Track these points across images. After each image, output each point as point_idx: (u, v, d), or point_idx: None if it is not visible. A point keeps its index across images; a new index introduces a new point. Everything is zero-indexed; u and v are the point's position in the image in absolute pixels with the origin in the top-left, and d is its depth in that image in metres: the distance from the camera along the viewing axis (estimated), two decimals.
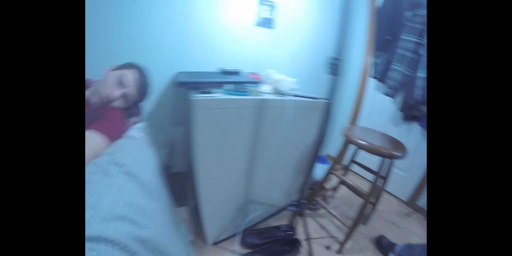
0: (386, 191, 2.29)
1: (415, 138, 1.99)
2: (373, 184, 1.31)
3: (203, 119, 0.96)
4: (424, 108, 1.68)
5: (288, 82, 1.26)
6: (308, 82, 2.08)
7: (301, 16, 1.78)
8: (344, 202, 2.02)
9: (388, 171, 1.51)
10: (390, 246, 1.49)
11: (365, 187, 1.39)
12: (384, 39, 1.94)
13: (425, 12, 1.73)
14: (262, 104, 1.09)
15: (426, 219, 1.97)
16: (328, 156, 2.76)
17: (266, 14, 1.62)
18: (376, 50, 1.99)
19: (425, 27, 1.68)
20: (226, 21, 1.49)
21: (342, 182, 1.63)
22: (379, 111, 2.26)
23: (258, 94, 1.11)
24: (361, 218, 1.39)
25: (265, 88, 1.24)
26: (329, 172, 1.54)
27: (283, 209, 1.52)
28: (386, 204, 2.12)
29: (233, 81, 1.16)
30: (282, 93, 1.22)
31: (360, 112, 2.45)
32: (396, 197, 2.23)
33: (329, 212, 1.53)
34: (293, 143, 1.33)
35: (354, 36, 2.36)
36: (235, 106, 1.02)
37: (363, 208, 1.35)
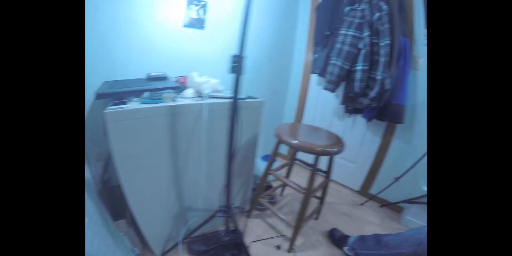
0: (337, 182, 2.35)
1: (360, 130, 2.05)
2: (310, 180, 1.31)
3: (117, 131, 0.93)
4: (363, 100, 1.71)
5: (210, 84, 1.23)
6: (243, 80, 2.03)
7: (233, 14, 1.74)
8: (294, 198, 2.04)
9: (329, 166, 1.52)
10: (344, 238, 1.51)
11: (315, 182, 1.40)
12: (323, 35, 1.95)
13: (363, 6, 1.75)
14: (176, 111, 1.06)
15: (380, 205, 2.03)
16: (279, 154, 2.78)
17: (195, 14, 1.57)
18: (315, 45, 2.00)
19: (363, 21, 1.70)
20: (155, 24, 1.42)
21: (281, 181, 1.64)
22: (322, 106, 2.30)
23: (172, 101, 1.08)
24: (304, 214, 1.39)
25: (189, 92, 1.20)
26: (266, 172, 1.54)
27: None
28: (338, 196, 2.17)
29: (152, 88, 1.11)
30: (204, 96, 1.19)
31: (304, 108, 2.47)
32: (349, 187, 2.29)
33: (274, 212, 1.53)
34: (220, 146, 1.30)
35: (297, 32, 2.37)
36: (147, 115, 0.98)
37: (304, 205, 1.35)
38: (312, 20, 2.20)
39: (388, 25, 1.65)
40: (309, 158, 1.73)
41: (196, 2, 1.54)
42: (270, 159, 1.50)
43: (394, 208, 2.00)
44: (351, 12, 1.79)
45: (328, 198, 2.07)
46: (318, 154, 1.23)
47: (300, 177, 2.33)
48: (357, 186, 2.19)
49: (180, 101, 1.11)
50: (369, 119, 1.87)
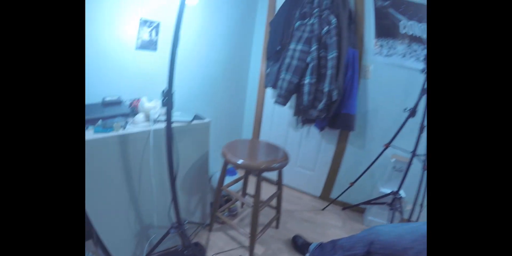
0: (298, 190, 2.42)
1: (315, 138, 2.13)
2: (256, 194, 1.38)
3: None
4: (313, 112, 1.77)
5: (158, 109, 1.28)
6: (196, 98, 2.03)
7: (184, 35, 1.77)
8: None
9: (279, 178, 1.59)
10: (305, 245, 1.57)
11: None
12: (275, 49, 2.01)
13: (313, 20, 1.81)
14: (125, 139, 1.11)
15: (342, 208, 2.11)
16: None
17: (148, 36, 1.60)
18: (267, 60, 2.06)
19: (312, 35, 1.76)
20: (109, 48, 1.44)
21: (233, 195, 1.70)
22: (278, 118, 2.34)
23: (122, 129, 1.12)
24: (257, 225, 1.45)
25: (140, 116, 1.25)
26: (218, 189, 1.59)
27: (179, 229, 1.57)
28: (300, 203, 2.23)
29: (105, 115, 1.16)
30: (152, 121, 1.24)
31: (262, 121, 2.50)
32: (310, 194, 2.37)
33: (231, 225, 1.59)
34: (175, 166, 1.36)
35: (254, 46, 2.41)
36: (100, 144, 1.03)
37: (253, 216, 1.41)
38: (267, 34, 2.25)
39: (336, 38, 1.72)
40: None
41: (148, 24, 1.57)
42: (220, 176, 1.56)
43: (357, 209, 2.09)
44: (301, 26, 1.84)
45: (289, 206, 2.13)
46: (261, 171, 1.29)
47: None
48: (318, 191, 2.27)
49: (129, 129, 1.14)
50: (321, 129, 1.95)
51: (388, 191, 1.77)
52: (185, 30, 1.78)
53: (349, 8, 1.88)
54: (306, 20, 1.85)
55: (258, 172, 1.34)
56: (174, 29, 0.88)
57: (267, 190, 2.11)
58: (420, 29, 1.90)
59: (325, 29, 1.77)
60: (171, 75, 0.91)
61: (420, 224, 1.06)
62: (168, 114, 0.95)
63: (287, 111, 2.21)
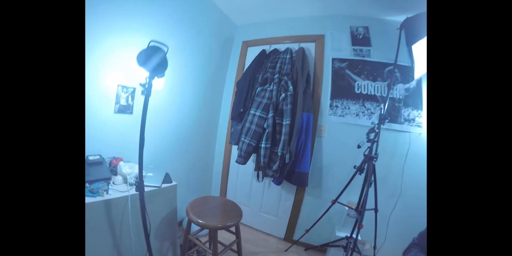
0: (265, 233, 2.61)
1: (276, 189, 2.41)
2: (214, 250, 1.65)
3: None
4: (268, 172, 2.03)
5: (135, 174, 1.49)
6: (168, 156, 2.18)
7: (157, 99, 1.94)
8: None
9: (237, 232, 1.84)
10: None
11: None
12: (239, 111, 2.27)
13: (272, 87, 2.07)
14: (108, 202, 1.33)
15: (304, 249, 2.35)
16: None
17: (125, 101, 1.75)
18: (232, 119, 2.32)
19: (270, 102, 2.03)
20: (89, 109, 1.55)
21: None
22: (243, 171, 2.59)
23: (105, 193, 1.34)
24: None
25: (118, 179, 1.47)
26: (185, 237, 1.84)
27: None
28: (265, 245, 2.43)
29: (91, 179, 1.36)
30: (130, 185, 1.46)
31: (229, 173, 2.74)
32: (275, 236, 2.58)
33: None
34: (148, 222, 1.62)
35: (223, 104, 2.69)
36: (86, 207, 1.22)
37: None
38: (234, 94, 2.51)
39: (291, 106, 1.99)
40: None
41: (125, 90, 1.76)
42: (186, 226, 1.81)
43: (319, 249, 2.31)
44: (261, 92, 2.10)
45: (255, 248, 2.33)
46: (218, 229, 1.54)
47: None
48: (282, 234, 2.49)
49: (111, 195, 1.36)
50: (278, 184, 2.22)
51: (343, 235, 2.01)
52: (156, 94, 1.93)
53: (307, 72, 2.14)
54: (266, 86, 2.11)
55: (214, 231, 1.61)
56: (142, 107, 1.14)
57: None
58: (374, 87, 2.13)
59: (282, 96, 2.03)
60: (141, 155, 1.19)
61: None
62: (141, 197, 1.24)
63: (251, 165, 2.45)
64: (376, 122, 1.74)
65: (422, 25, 1.53)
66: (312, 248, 2.32)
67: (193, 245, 2.11)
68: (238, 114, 2.26)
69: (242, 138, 2.08)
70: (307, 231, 2.14)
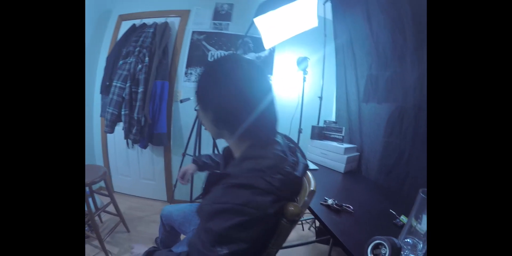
0: (148, 198, 2.79)
1: (146, 154, 2.62)
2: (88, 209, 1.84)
3: None
4: (130, 136, 2.26)
5: None
6: None
7: None
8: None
9: (108, 190, 2.00)
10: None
11: None
12: (105, 84, 2.38)
13: (132, 59, 2.23)
14: None
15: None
16: None
17: None
18: (101, 93, 2.44)
19: (128, 73, 2.19)
20: None
21: None
22: (120, 138, 2.46)
23: None
24: (97, 230, 1.85)
25: None
26: None
27: None
28: (150, 209, 2.60)
29: None
30: None
31: (108, 146, 2.77)
32: (159, 200, 2.78)
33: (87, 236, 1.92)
34: None
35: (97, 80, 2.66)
36: None
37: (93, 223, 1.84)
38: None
39: (144, 76, 2.21)
40: None
41: None
42: None
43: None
44: (123, 65, 2.25)
45: (140, 213, 2.50)
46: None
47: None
48: (164, 197, 2.75)
49: None
50: (144, 147, 2.43)
51: None
52: None
53: (165, 43, 2.37)
54: (127, 59, 2.27)
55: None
56: None
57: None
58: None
59: (139, 67, 2.25)
60: None
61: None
62: None
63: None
64: None
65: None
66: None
67: None
68: (105, 88, 2.37)
69: (107, 109, 2.22)
70: (175, 186, 2.43)
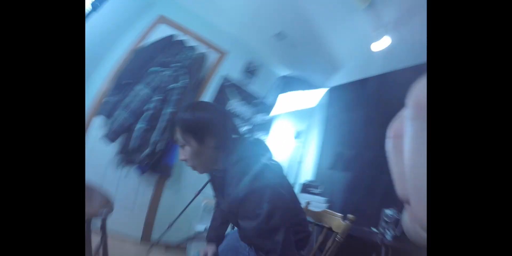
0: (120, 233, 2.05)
1: (133, 180, 2.07)
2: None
3: None
4: (137, 156, 1.89)
5: None
6: None
7: None
8: None
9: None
10: None
11: None
12: (124, 81, 1.97)
13: (167, 72, 1.98)
14: None
15: (165, 248, 2.12)
16: None
17: None
18: (113, 88, 1.99)
19: (160, 86, 1.94)
20: None
21: None
22: (100, 154, 2.01)
23: None
24: None
25: None
26: None
27: None
28: (121, 253, 1.91)
29: None
30: None
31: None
32: (132, 237, 2.13)
33: None
34: None
35: (102, 67, 2.13)
36: None
37: None
38: (125, 61, 2.06)
39: (178, 97, 1.95)
40: None
41: None
42: None
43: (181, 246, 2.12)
44: (155, 73, 1.98)
45: None
46: None
47: None
48: (138, 233, 2.16)
49: None
50: (142, 172, 2.01)
51: (202, 228, 1.94)
52: None
53: (204, 74, 2.23)
54: (162, 69, 2.00)
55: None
56: None
57: None
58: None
59: (172, 85, 1.97)
60: None
61: None
62: None
63: (110, 149, 2.01)
64: None
65: None
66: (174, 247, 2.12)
67: None
68: (123, 84, 2.01)
69: (119, 111, 1.94)
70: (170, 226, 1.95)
